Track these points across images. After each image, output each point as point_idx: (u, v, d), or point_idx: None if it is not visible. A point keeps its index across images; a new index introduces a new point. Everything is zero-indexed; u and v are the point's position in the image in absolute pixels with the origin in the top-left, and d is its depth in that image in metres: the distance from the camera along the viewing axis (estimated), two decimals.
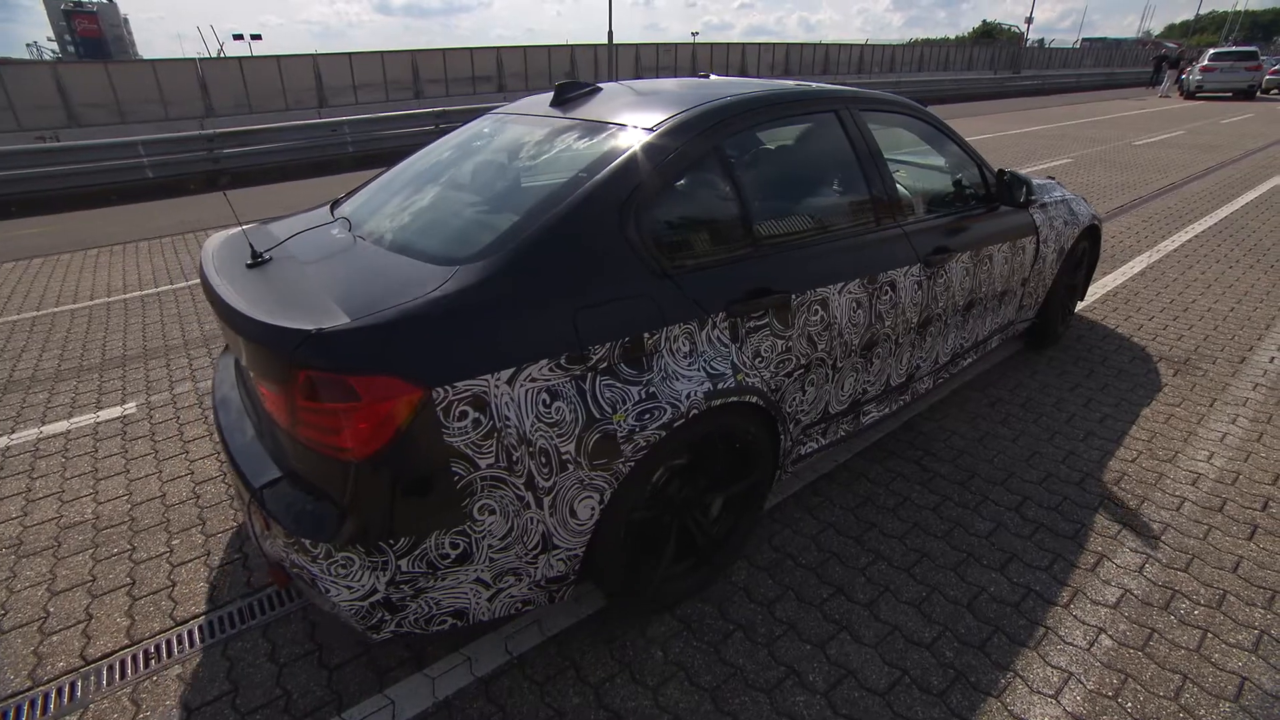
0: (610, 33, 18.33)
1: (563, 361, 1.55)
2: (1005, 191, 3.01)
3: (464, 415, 1.43)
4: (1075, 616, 2.01)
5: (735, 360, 1.88)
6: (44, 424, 3.40)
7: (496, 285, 1.53)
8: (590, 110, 2.24)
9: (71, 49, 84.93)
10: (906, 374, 2.61)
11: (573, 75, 22.21)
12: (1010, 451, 2.87)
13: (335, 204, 2.46)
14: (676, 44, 25.39)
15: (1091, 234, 3.81)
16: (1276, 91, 24.10)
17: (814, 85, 2.54)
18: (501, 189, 2.11)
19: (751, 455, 2.05)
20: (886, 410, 2.61)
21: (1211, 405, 3.22)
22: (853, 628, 1.99)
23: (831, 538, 2.37)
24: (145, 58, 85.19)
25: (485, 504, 1.52)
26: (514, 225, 1.69)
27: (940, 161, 3.01)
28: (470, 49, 20.58)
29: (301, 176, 11.52)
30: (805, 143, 2.50)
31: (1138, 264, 5.35)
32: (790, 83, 2.50)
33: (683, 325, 1.77)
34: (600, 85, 2.52)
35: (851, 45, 31.81)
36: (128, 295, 5.45)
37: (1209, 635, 1.94)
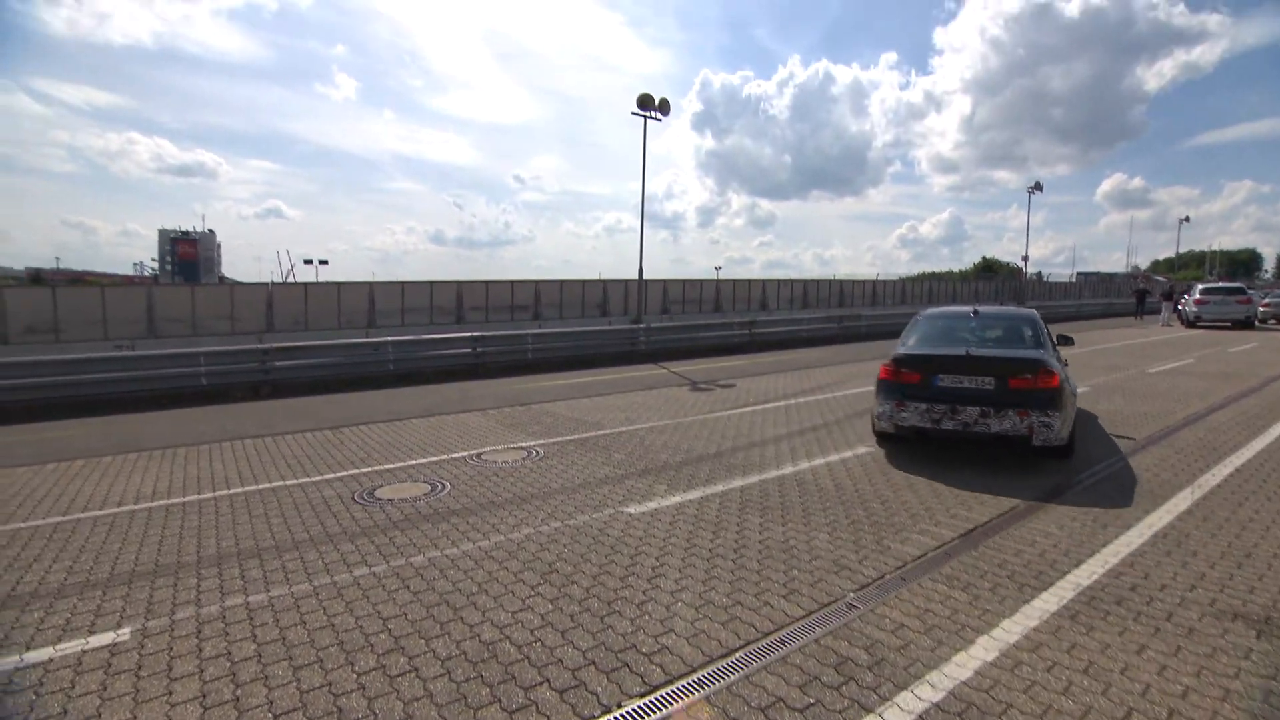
0: (640, 269, 20.33)
1: (1064, 368, 6.51)
2: (1059, 340, 7.60)
3: (1064, 380, 6.16)
4: None
5: (1060, 360, 6.70)
6: (28, 649, 3.22)
7: (1050, 350, 6.67)
8: (1001, 311, 8.17)
9: (169, 268, 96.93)
10: None
11: (604, 307, 24.20)
12: None
13: (900, 350, 6.78)
14: (701, 280, 27.99)
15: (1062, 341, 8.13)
16: (1275, 322, 25.07)
17: (1032, 309, 8.03)
18: (1012, 330, 7.13)
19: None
20: None
21: None
22: None
23: None
24: (226, 276, 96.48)
25: (1067, 400, 6.11)
26: (1036, 336, 6.92)
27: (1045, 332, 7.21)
28: (511, 281, 22.79)
29: (342, 390, 12.13)
30: (1045, 321, 7.44)
31: (1182, 501, 5.14)
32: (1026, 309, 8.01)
33: (1061, 350, 7.19)
34: (981, 308, 7.68)
35: (865, 280, 34.66)
36: (154, 503, 5.48)
37: None
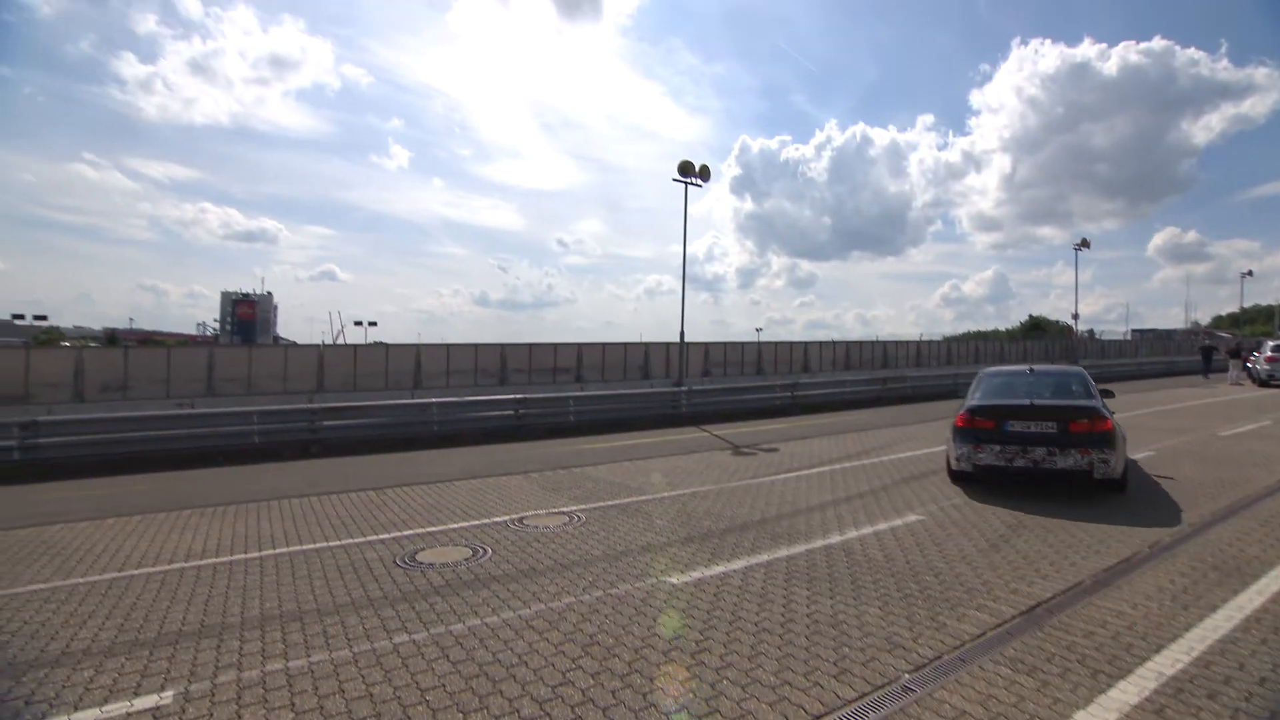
0: (682, 332, 20.49)
1: (1112, 415, 7.43)
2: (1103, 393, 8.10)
3: (1116, 425, 7.26)
4: None
5: (1108, 409, 7.57)
6: (75, 710, 3.25)
7: (1100, 401, 7.63)
8: (1053, 369, 9.08)
9: (229, 328, 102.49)
10: None
11: (646, 369, 24.40)
12: None
13: (972, 402, 7.94)
14: (743, 342, 28.17)
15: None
16: None
17: (1080, 368, 9.49)
18: (1064, 384, 8.12)
19: None
20: None
21: None
22: None
23: None
24: (281, 336, 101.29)
25: (1119, 441, 7.10)
26: (1086, 389, 7.95)
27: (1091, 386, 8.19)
28: (554, 344, 23.15)
29: (388, 450, 12.31)
30: (1101, 380, 9.95)
31: (1274, 580, 4.73)
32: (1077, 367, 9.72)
33: (1105, 401, 7.81)
34: (1035, 367, 8.85)
35: (908, 341, 34.15)
36: (203, 561, 5.58)
37: None
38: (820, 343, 30.43)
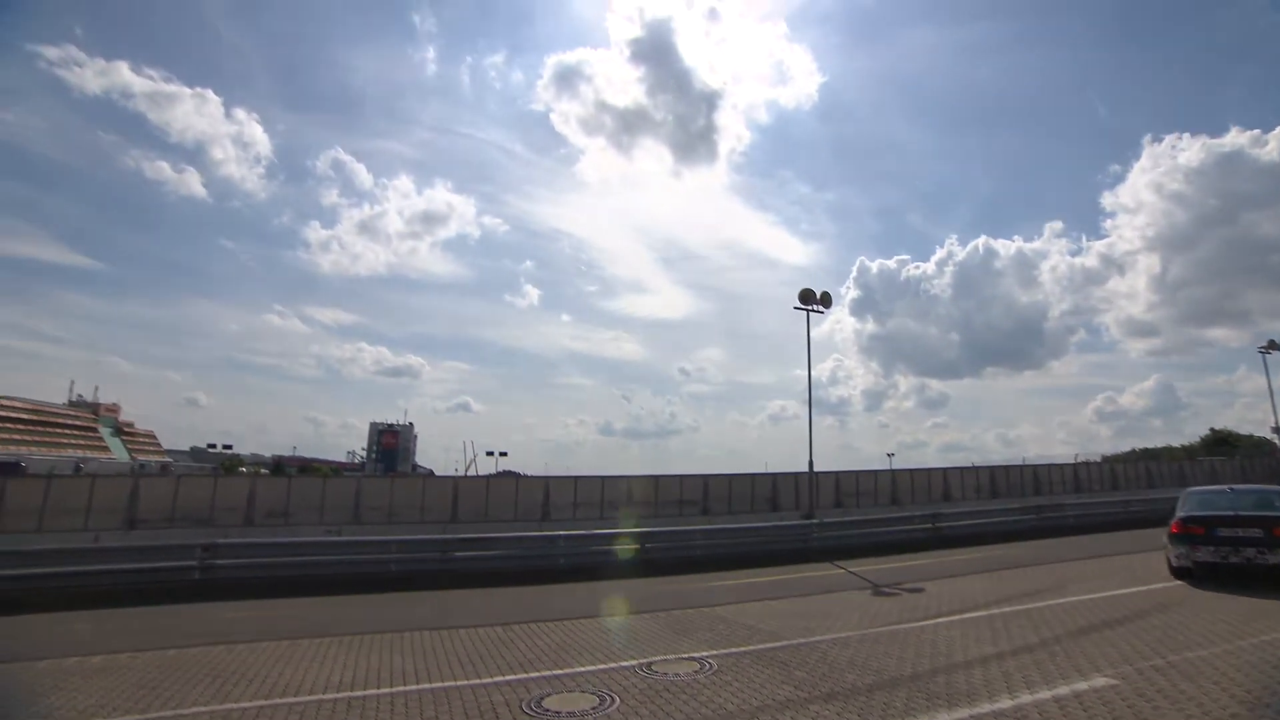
0: (810, 462, 19.83)
1: None
2: None
3: None
4: None
5: None
6: None
7: None
8: (1250, 487, 10.99)
9: (374, 456, 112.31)
10: None
11: (774, 501, 23.60)
12: None
13: (1183, 514, 9.71)
14: (876, 471, 26.83)
15: None
16: None
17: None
18: (1265, 499, 9.38)
19: None
20: None
21: None
22: None
23: None
24: (419, 465, 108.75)
25: None
26: None
27: None
28: (680, 476, 23.13)
29: (515, 583, 12.40)
30: None
31: None
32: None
33: None
34: (1233, 486, 10.78)
35: (1062, 464, 30.73)
36: (339, 694, 5.71)
37: None
38: (961, 468, 28.19)
